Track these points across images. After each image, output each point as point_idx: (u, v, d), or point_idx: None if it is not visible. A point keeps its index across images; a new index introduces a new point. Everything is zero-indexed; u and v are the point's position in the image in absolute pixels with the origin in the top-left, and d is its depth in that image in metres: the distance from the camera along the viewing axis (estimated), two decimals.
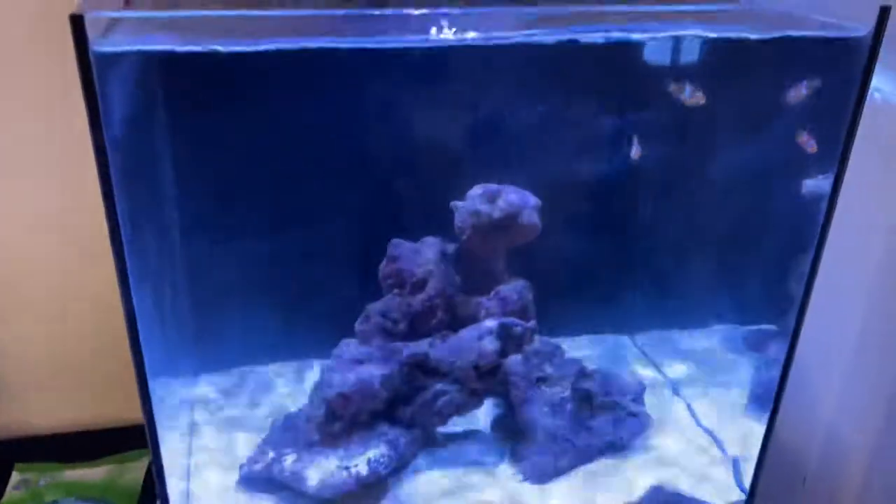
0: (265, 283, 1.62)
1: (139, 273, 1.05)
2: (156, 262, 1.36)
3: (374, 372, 1.33)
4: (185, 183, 1.48)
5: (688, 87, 1.49)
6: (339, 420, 1.32)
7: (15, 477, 1.63)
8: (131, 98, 1.14)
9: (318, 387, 1.34)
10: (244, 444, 1.44)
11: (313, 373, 1.58)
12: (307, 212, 1.59)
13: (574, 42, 1.35)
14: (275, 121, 1.49)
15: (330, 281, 1.63)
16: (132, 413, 1.69)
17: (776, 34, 1.37)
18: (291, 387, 1.63)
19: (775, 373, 1.42)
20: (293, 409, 1.47)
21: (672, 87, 1.50)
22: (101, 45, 0.90)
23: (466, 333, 1.43)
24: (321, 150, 1.54)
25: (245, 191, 1.53)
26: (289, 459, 1.32)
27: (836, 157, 1.27)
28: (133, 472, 1.66)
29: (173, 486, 1.28)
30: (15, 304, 1.66)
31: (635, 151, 1.62)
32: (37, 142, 1.54)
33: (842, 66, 1.22)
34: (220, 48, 1.18)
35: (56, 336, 1.70)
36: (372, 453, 1.30)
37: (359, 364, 1.35)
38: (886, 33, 1.14)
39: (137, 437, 1.65)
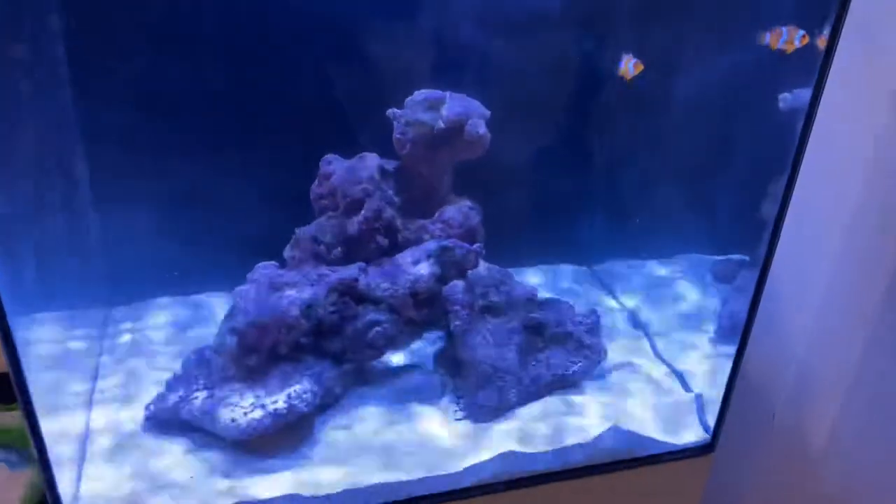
0: (182, 209, 1.45)
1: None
2: (37, 192, 1.19)
3: (293, 299, 1.17)
4: (85, 96, 1.30)
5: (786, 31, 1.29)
6: (254, 352, 1.17)
7: None
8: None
9: (229, 315, 1.18)
10: (155, 382, 1.28)
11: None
12: (228, 125, 1.41)
13: None
14: (185, 16, 1.30)
15: (254, 202, 1.46)
16: None
17: None
18: (213, 318, 1.46)
19: (744, 305, 1.29)
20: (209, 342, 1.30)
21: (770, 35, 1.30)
22: None
23: (402, 257, 1.28)
24: (239, 50, 1.35)
25: (155, 101, 1.35)
26: (200, 397, 1.17)
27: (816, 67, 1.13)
28: None
29: (70, 434, 1.14)
30: None
31: (629, 67, 1.42)
32: None
33: None
34: None
35: None
36: (292, 389, 1.15)
37: (277, 290, 1.19)
38: None
39: None
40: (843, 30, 1.09)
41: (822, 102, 1.15)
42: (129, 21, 1.29)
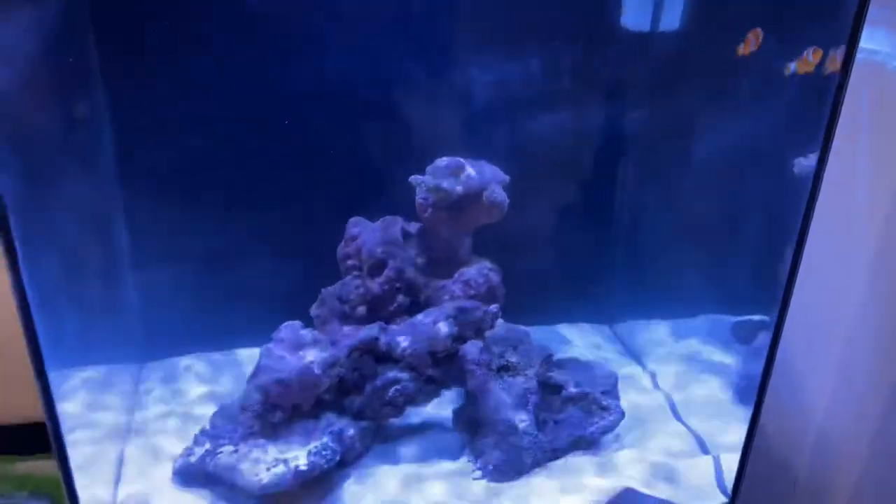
0: (214, 268, 1.53)
1: (43, 267, 0.95)
2: (75, 250, 1.27)
3: (315, 358, 1.22)
4: (123, 155, 1.40)
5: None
6: (278, 409, 1.21)
7: None
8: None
9: (255, 373, 1.23)
10: (184, 436, 1.34)
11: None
12: (259, 189, 1.49)
13: None
14: (226, 87, 1.39)
15: (284, 263, 1.54)
16: None
17: None
18: (241, 374, 1.52)
19: (760, 367, 1.30)
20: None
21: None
22: None
23: (422, 317, 1.32)
24: (272, 117, 1.44)
25: (190, 160, 1.44)
26: (225, 451, 1.21)
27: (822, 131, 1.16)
28: None
29: (101, 481, 1.19)
30: None
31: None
32: None
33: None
34: None
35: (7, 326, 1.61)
36: (313, 445, 1.19)
37: (300, 349, 1.24)
38: None
39: None
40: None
41: (835, 158, 1.16)
42: (166, 95, 1.39)
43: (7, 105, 0.85)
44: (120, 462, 1.30)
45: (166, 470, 1.27)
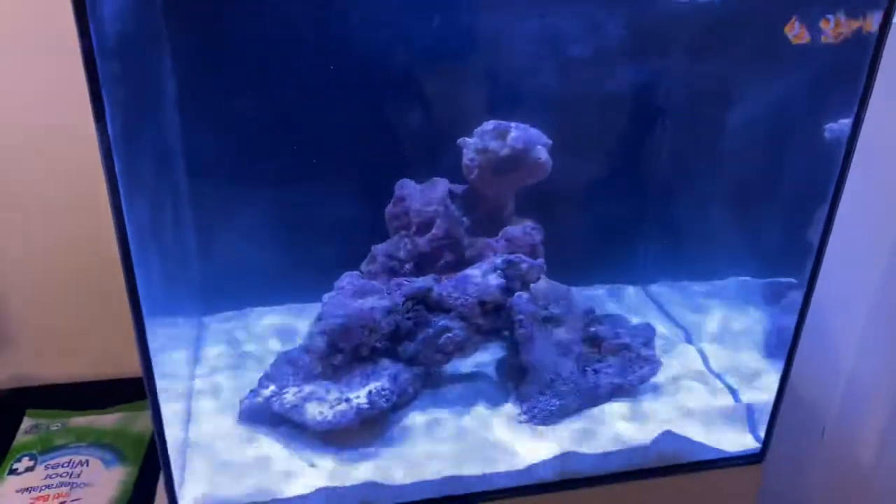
0: (268, 226, 1.60)
1: (137, 214, 1.01)
2: (155, 201, 1.34)
3: (375, 304, 1.30)
4: (186, 115, 1.47)
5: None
6: (339, 352, 1.30)
7: (26, 422, 1.63)
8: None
9: (319, 318, 1.32)
10: (246, 381, 1.42)
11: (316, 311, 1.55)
12: (311, 153, 1.56)
13: None
14: (281, 52, 1.46)
15: (336, 222, 1.61)
16: None
17: None
18: (295, 327, 1.60)
19: (792, 322, 1.37)
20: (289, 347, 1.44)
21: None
22: None
23: (472, 270, 1.40)
24: (326, 86, 1.51)
25: (248, 129, 1.51)
26: (289, 392, 1.30)
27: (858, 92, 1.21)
28: (143, 420, 1.64)
29: (172, 428, 1.27)
30: (25, 256, 1.66)
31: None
32: None
33: None
34: None
35: (69, 286, 1.69)
36: (373, 386, 1.27)
37: (361, 297, 1.32)
38: None
39: None
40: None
41: (869, 121, 1.21)
42: (230, 65, 1.47)
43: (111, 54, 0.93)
44: (188, 406, 1.38)
45: (233, 412, 1.35)
